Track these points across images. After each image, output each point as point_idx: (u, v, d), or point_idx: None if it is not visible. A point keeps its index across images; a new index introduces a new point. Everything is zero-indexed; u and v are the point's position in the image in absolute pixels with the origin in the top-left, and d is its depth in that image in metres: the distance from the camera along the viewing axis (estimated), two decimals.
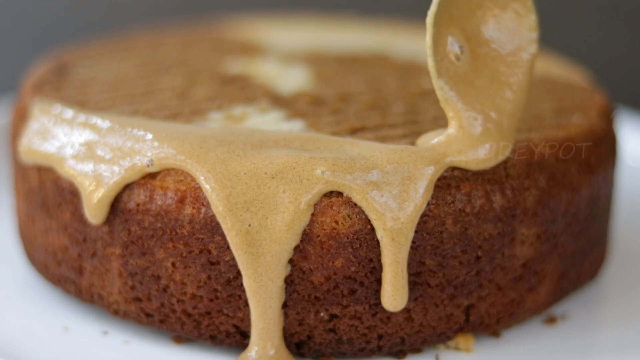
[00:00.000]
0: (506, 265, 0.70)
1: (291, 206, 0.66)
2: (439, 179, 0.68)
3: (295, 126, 0.72)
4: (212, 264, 0.68)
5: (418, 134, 0.71)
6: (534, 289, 0.73)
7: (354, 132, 0.71)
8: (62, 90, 0.78)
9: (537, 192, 0.70)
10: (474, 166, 0.68)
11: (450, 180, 0.68)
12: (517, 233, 0.70)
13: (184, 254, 0.68)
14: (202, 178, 0.67)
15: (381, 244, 0.67)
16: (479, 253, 0.69)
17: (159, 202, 0.68)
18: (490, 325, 0.72)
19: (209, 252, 0.68)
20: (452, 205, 0.68)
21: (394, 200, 0.66)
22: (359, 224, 0.67)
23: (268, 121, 0.73)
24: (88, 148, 0.71)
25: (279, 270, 0.67)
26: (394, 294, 0.67)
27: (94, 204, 0.69)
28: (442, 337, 0.71)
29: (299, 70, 0.82)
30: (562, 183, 0.72)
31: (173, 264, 0.69)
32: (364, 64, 0.84)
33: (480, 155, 0.68)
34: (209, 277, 0.68)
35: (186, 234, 0.68)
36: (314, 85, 0.79)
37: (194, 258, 0.68)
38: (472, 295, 0.70)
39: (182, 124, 0.72)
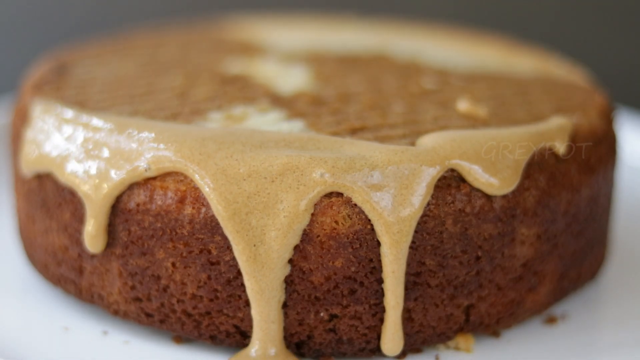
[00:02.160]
0: (506, 265, 0.70)
1: (286, 220, 0.66)
2: (439, 179, 0.68)
3: (295, 126, 0.72)
4: (212, 264, 0.68)
5: (418, 134, 0.71)
6: (534, 289, 0.73)
7: (354, 132, 0.71)
8: (62, 90, 0.78)
9: (537, 192, 0.70)
10: (478, 183, 0.68)
11: (451, 181, 0.68)
12: (517, 233, 0.70)
13: (184, 254, 0.68)
14: (207, 189, 0.67)
15: (383, 257, 0.67)
16: (479, 253, 0.69)
17: (159, 202, 0.68)
18: (490, 325, 0.72)
19: (209, 252, 0.68)
20: (452, 205, 0.68)
21: (394, 201, 0.66)
22: (359, 224, 0.67)
23: (268, 121, 0.73)
24: (86, 154, 0.71)
25: (279, 272, 0.67)
26: (393, 338, 0.68)
27: (91, 233, 0.70)
28: (442, 337, 0.71)
29: (299, 70, 0.82)
30: (562, 183, 0.72)
31: (173, 264, 0.69)
32: (364, 64, 0.84)
33: (493, 182, 0.68)
34: (209, 277, 0.68)
35: (186, 234, 0.68)
36: (314, 85, 0.79)
37: (194, 258, 0.68)
38: (472, 295, 0.70)
39: (182, 124, 0.71)
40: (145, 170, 0.68)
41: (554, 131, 0.72)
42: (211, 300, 0.69)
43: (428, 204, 0.67)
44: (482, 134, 0.70)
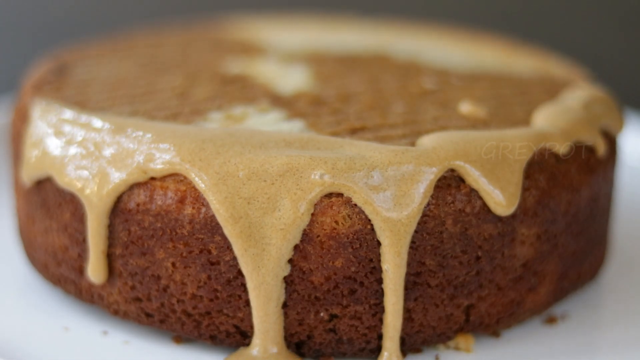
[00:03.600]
0: (506, 265, 0.70)
1: (283, 229, 0.66)
2: (439, 179, 0.68)
3: (295, 126, 0.72)
4: (212, 264, 0.68)
5: (418, 134, 0.71)
6: (534, 289, 0.73)
7: (354, 132, 0.71)
8: (62, 90, 0.78)
9: (537, 192, 0.70)
10: (483, 193, 0.68)
11: (451, 181, 0.68)
12: (517, 233, 0.70)
13: (184, 254, 0.68)
14: (211, 197, 0.67)
15: (383, 257, 0.67)
16: (479, 253, 0.69)
17: (159, 202, 0.68)
18: (490, 325, 0.72)
19: (209, 252, 0.68)
20: (452, 205, 0.68)
21: (394, 202, 0.66)
22: (359, 224, 0.67)
23: (268, 121, 0.73)
24: (85, 156, 0.70)
25: (279, 272, 0.67)
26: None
27: (93, 264, 0.70)
28: (442, 337, 0.71)
29: (299, 70, 0.82)
30: (562, 183, 0.72)
31: (173, 264, 0.69)
32: (364, 64, 0.84)
33: (500, 199, 0.68)
34: (209, 277, 0.68)
35: (186, 234, 0.68)
36: (314, 85, 0.79)
37: (194, 258, 0.68)
38: (472, 295, 0.70)
39: (182, 124, 0.71)
40: (145, 172, 0.68)
41: (555, 132, 0.72)
42: (211, 300, 0.69)
43: (428, 204, 0.67)
44: (483, 134, 0.70)
